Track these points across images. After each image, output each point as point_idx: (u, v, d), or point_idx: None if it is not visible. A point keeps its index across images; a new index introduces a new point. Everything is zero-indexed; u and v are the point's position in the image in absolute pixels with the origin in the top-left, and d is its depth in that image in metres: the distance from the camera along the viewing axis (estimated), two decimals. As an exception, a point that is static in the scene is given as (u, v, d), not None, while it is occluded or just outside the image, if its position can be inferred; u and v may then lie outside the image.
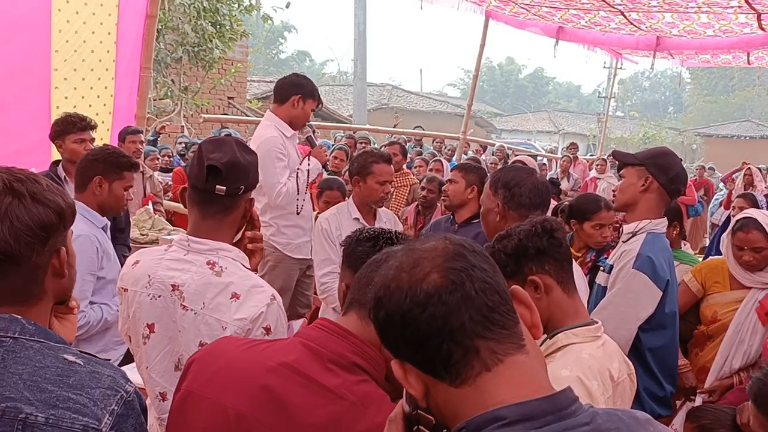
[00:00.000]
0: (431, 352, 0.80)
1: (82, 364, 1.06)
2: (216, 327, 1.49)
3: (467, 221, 3.21)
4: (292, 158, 3.45)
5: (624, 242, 2.35)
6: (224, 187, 1.53)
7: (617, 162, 2.70)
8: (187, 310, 1.52)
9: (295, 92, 3.41)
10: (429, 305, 0.79)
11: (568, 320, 1.53)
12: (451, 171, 3.47)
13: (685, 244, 3.51)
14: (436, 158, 7.55)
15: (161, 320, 1.55)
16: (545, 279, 1.53)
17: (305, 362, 1.12)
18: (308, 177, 3.46)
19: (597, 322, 1.59)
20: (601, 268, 2.45)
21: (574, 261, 2.28)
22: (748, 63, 8.50)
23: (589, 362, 1.46)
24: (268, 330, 1.48)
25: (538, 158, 13.04)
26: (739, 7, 5.57)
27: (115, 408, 1.03)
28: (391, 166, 3.24)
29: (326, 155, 3.52)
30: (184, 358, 1.52)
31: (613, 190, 2.52)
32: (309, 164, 3.45)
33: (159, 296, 1.55)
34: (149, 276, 1.57)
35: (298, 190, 3.39)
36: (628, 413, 0.82)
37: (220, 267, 1.54)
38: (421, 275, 0.82)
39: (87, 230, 2.34)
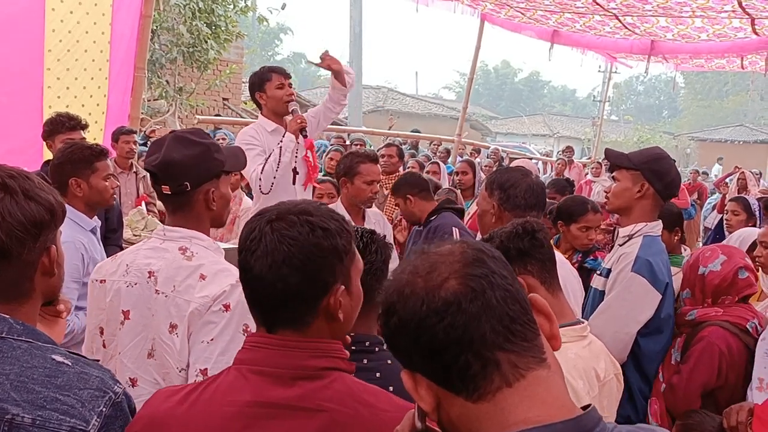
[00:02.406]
0: (448, 363, 0.75)
1: (70, 364, 1.05)
2: (184, 307, 1.52)
3: (427, 220, 3.44)
4: (270, 149, 3.28)
5: (621, 245, 2.34)
6: (168, 186, 1.59)
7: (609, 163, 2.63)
8: (159, 294, 1.55)
9: (254, 92, 3.38)
10: (447, 314, 0.74)
11: None
12: (392, 196, 3.57)
13: (685, 249, 3.48)
14: (432, 161, 7.55)
15: (136, 307, 1.58)
16: (528, 279, 1.55)
17: (267, 391, 1.03)
18: (280, 153, 3.15)
19: (583, 322, 1.60)
20: (598, 272, 2.43)
21: (568, 262, 2.29)
22: (742, 68, 8.54)
23: (574, 362, 1.47)
24: (227, 307, 1.49)
25: (532, 161, 13.06)
26: (733, 11, 5.60)
27: (104, 409, 1.02)
28: (378, 165, 3.26)
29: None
30: (156, 343, 1.55)
31: (606, 192, 2.48)
32: (281, 140, 3.20)
33: (135, 284, 1.58)
34: (127, 265, 1.61)
35: (277, 168, 3.16)
36: (650, 431, 0.80)
37: (191, 252, 1.58)
38: (438, 281, 0.77)
39: (72, 236, 2.27)
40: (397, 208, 5.31)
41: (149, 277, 1.57)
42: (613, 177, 2.44)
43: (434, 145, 11.00)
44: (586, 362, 1.50)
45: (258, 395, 1.02)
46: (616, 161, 2.42)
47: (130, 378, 1.59)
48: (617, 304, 2.23)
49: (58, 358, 1.05)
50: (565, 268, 2.11)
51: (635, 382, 2.27)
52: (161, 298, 1.55)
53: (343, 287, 1.08)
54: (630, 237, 2.32)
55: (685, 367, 2.22)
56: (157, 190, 1.64)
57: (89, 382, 1.03)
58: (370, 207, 3.31)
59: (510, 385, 0.75)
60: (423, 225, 3.45)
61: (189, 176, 1.58)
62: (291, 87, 3.38)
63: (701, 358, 2.20)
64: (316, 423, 1.01)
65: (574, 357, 1.48)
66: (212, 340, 1.47)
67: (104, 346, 1.64)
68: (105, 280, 1.64)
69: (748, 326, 2.23)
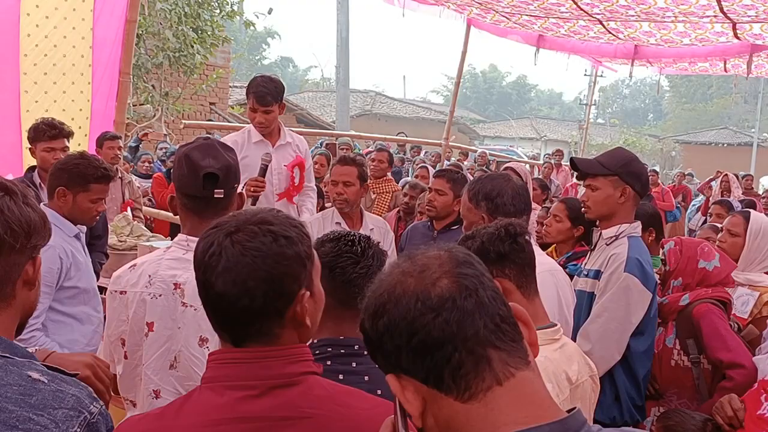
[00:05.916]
0: (440, 361, 0.75)
1: (46, 382, 1.02)
2: None
3: (447, 227, 3.27)
4: (249, 158, 3.24)
5: (608, 245, 2.36)
6: (222, 190, 1.61)
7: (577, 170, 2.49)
8: (187, 306, 1.54)
9: None
10: (443, 309, 0.75)
11: None
12: (435, 179, 3.42)
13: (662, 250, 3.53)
14: (421, 165, 7.56)
15: (161, 319, 1.57)
16: (504, 283, 1.53)
17: (245, 405, 0.99)
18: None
19: (556, 325, 1.60)
20: (585, 273, 2.44)
21: (562, 269, 2.29)
22: (725, 71, 8.63)
23: (544, 365, 1.47)
24: None
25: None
26: (715, 16, 5.65)
27: (78, 430, 1.00)
28: (348, 167, 3.14)
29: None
30: (182, 355, 1.55)
31: (584, 200, 2.43)
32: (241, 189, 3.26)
33: (160, 295, 1.57)
34: (149, 276, 1.59)
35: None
36: None
37: None
38: (431, 279, 0.78)
39: (53, 240, 2.24)
40: (384, 212, 5.32)
41: (175, 288, 1.55)
42: (588, 186, 2.39)
43: (414, 149, 11.12)
44: (556, 365, 1.51)
45: (237, 411, 0.99)
46: (589, 170, 2.38)
47: (153, 390, 1.58)
48: (614, 306, 2.25)
49: (35, 375, 1.02)
50: (558, 277, 2.11)
51: (622, 383, 2.28)
52: (190, 311, 1.53)
53: (307, 293, 1.06)
54: (616, 237, 2.34)
55: (725, 355, 2.26)
56: (206, 195, 1.60)
57: (64, 401, 1.01)
58: (341, 209, 3.16)
59: (501, 384, 0.75)
60: (437, 229, 3.30)
61: (238, 179, 1.69)
62: (268, 113, 3.27)
63: (725, 332, 2.31)
64: (301, 430, 1.00)
65: (543, 360, 1.48)
66: None
67: (126, 357, 1.62)
68: (126, 291, 1.60)
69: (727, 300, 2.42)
